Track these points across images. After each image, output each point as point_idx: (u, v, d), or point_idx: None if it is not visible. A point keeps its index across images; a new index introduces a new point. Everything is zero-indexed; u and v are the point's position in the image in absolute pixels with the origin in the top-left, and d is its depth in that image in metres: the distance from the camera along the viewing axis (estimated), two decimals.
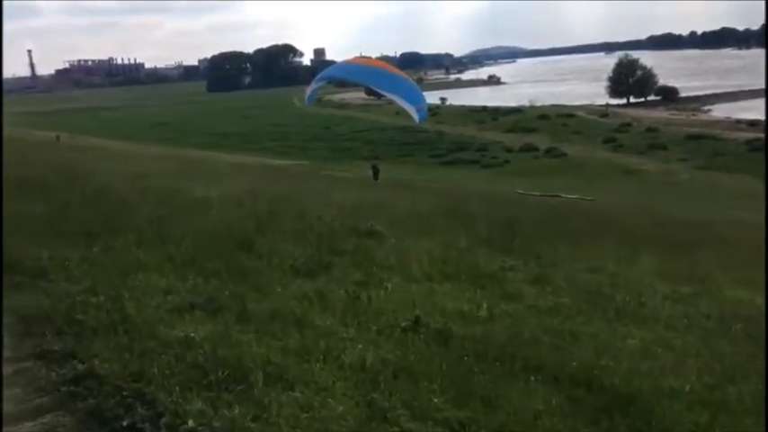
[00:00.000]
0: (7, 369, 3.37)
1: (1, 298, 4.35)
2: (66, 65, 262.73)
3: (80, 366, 3.32)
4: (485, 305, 5.41)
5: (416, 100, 14.10)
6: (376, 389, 3.31)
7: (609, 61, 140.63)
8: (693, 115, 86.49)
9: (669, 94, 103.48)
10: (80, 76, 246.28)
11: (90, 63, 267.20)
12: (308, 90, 15.94)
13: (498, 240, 9.84)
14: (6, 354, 3.53)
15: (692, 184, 45.58)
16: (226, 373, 3.32)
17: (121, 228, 6.68)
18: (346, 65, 16.53)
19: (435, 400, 3.24)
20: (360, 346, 3.96)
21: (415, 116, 13.98)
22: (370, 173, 32.37)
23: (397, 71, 15.98)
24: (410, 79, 18.50)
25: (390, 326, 4.45)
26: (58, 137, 45.83)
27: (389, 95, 14.10)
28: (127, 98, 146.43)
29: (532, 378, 3.61)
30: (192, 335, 3.81)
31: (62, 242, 5.92)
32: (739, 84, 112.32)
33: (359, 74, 15.11)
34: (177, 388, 3.10)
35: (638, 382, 3.70)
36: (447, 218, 12.21)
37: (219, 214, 8.11)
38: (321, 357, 3.68)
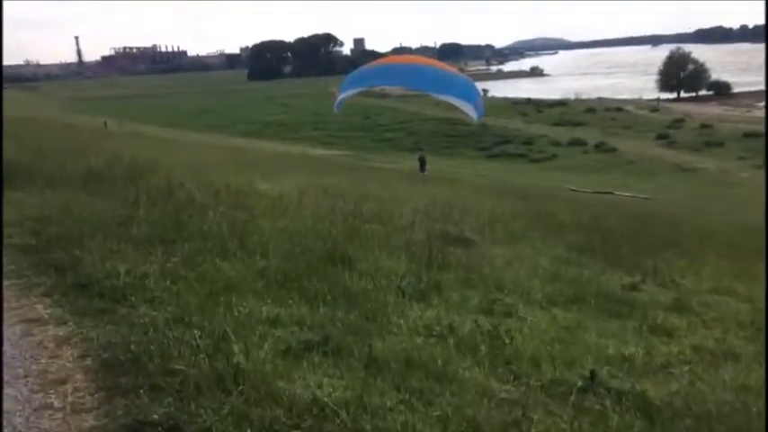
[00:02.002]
0: None
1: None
2: (112, 51, 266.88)
3: None
4: (642, 346, 4.42)
5: (472, 97, 12.90)
6: None
7: (655, 54, 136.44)
8: (749, 112, 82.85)
9: (722, 90, 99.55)
10: (125, 62, 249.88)
11: (135, 50, 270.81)
12: (339, 95, 13.47)
13: (598, 249, 8.84)
14: (94, 422, 2.69)
15: (754, 184, 43.22)
16: None
17: (197, 233, 5.85)
18: (385, 66, 14.66)
19: None
20: (536, 417, 3.01)
21: (473, 115, 12.77)
22: (417, 164, 31.44)
23: (446, 66, 14.66)
24: (461, 74, 17.18)
25: (558, 382, 3.49)
26: (105, 123, 45.93)
27: (443, 98, 12.80)
28: (171, 85, 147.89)
29: None
30: (324, 398, 2.91)
31: (136, 250, 5.11)
32: None
33: (403, 77, 13.21)
34: None
35: None
36: (528, 220, 11.21)
37: (300, 217, 7.25)
38: None
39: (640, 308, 5.70)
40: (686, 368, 4.10)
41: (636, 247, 9.40)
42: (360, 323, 4.07)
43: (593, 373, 3.51)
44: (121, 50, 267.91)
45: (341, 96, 13.28)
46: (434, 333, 4.10)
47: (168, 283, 4.40)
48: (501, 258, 6.95)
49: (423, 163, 31.07)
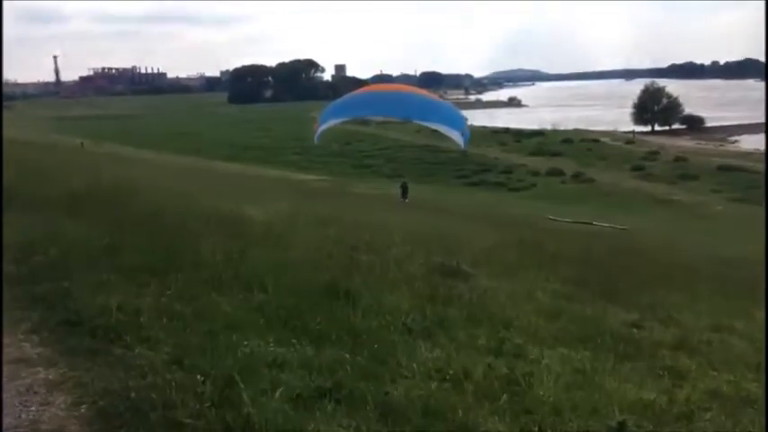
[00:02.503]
0: None
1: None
2: (91, 72, 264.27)
3: None
4: (661, 391, 4.27)
5: (459, 124, 12.86)
6: None
7: (629, 88, 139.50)
8: (721, 146, 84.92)
9: (695, 124, 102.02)
10: (104, 83, 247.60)
11: (114, 71, 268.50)
12: (321, 125, 12.70)
13: (593, 284, 8.74)
14: None
15: (729, 217, 43.94)
16: None
17: (189, 263, 5.60)
18: (370, 95, 14.43)
19: None
20: None
21: (460, 141, 12.69)
22: (399, 191, 31.44)
23: (429, 94, 14.65)
24: (446, 102, 17.21)
25: None
26: (82, 143, 45.27)
27: (430, 125, 12.74)
28: (149, 107, 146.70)
29: None
30: None
31: (126, 282, 4.84)
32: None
33: (390, 106, 13.01)
34: None
35: None
36: (520, 251, 11.10)
37: (294, 246, 7.02)
38: None
39: (647, 348, 5.56)
40: (707, 416, 3.95)
41: (628, 282, 9.33)
42: (370, 366, 3.85)
43: (621, 425, 3.33)
44: (100, 71, 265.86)
45: (323, 126, 12.92)
46: (448, 377, 3.89)
47: (164, 320, 4.14)
48: (501, 293, 6.78)
49: (405, 190, 31.11)
